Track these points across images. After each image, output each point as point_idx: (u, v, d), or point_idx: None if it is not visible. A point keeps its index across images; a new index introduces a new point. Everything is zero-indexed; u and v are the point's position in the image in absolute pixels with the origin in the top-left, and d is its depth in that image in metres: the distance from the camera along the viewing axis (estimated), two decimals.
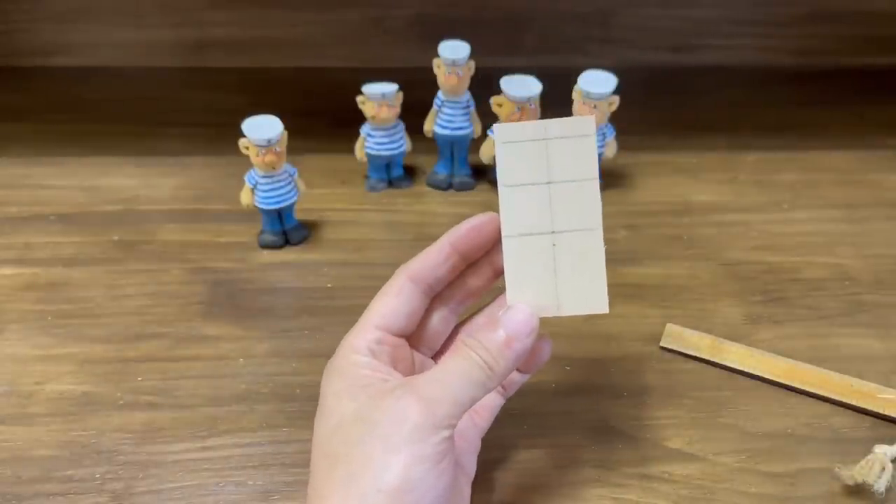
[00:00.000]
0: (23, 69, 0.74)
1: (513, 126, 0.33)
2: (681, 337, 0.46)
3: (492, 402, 0.37)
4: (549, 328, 0.48)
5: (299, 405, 0.42)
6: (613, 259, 0.53)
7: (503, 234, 0.33)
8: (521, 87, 0.54)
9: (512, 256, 0.33)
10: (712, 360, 0.45)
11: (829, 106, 0.72)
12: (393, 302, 0.34)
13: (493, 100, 0.55)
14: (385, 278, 0.51)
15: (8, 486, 0.38)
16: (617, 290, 0.50)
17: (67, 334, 0.46)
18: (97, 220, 0.55)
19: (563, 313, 0.33)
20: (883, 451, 0.38)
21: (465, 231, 0.34)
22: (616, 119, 0.56)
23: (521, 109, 0.54)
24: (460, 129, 0.57)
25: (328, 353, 0.34)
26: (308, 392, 0.43)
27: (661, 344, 0.46)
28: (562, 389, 0.43)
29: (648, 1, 0.75)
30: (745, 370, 0.44)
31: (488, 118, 0.56)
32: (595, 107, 0.54)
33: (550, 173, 0.32)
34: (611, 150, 0.58)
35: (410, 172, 0.61)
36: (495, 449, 0.40)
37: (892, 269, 0.52)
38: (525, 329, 0.32)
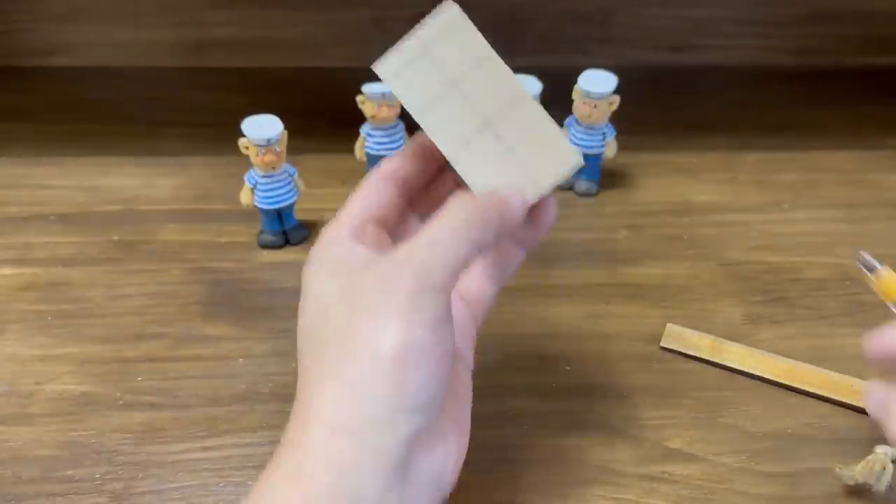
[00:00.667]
0: (23, 69, 0.74)
1: (390, 58, 0.31)
2: (681, 337, 0.46)
3: (486, 292, 0.35)
4: (550, 328, 0.48)
5: None
6: (613, 259, 0.53)
7: (447, 157, 0.31)
8: None
9: (468, 171, 0.31)
10: (712, 360, 0.45)
11: (829, 106, 0.71)
12: (369, 192, 0.33)
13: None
14: None
15: (8, 486, 0.38)
16: (617, 290, 0.50)
17: (67, 334, 0.46)
18: (97, 220, 0.55)
19: (544, 189, 0.32)
20: (883, 450, 0.37)
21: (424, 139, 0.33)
22: (616, 119, 0.56)
23: None
24: None
25: None
26: None
27: (662, 344, 0.46)
28: (562, 389, 0.43)
29: (649, 1, 0.75)
30: (746, 370, 0.44)
31: None
32: (595, 106, 0.55)
33: (449, 74, 0.31)
34: (611, 150, 0.58)
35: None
36: (495, 449, 0.40)
37: (893, 268, 0.52)
38: (515, 197, 0.31)
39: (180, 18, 0.73)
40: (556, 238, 0.55)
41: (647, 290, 0.50)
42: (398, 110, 0.56)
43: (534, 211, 0.33)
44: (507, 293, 0.50)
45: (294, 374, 0.44)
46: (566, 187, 0.59)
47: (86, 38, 0.74)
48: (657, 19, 0.76)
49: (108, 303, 0.48)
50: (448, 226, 0.29)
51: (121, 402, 0.42)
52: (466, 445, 0.32)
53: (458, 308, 0.34)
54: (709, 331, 0.47)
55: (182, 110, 0.69)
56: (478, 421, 0.42)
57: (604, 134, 0.57)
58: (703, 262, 0.53)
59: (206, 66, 0.75)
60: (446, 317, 0.28)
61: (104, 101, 0.70)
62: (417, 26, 0.31)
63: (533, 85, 0.55)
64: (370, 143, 0.57)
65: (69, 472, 0.38)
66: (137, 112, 0.68)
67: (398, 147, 0.57)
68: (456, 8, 0.31)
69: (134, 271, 0.51)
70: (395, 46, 0.31)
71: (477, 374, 0.44)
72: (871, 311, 0.49)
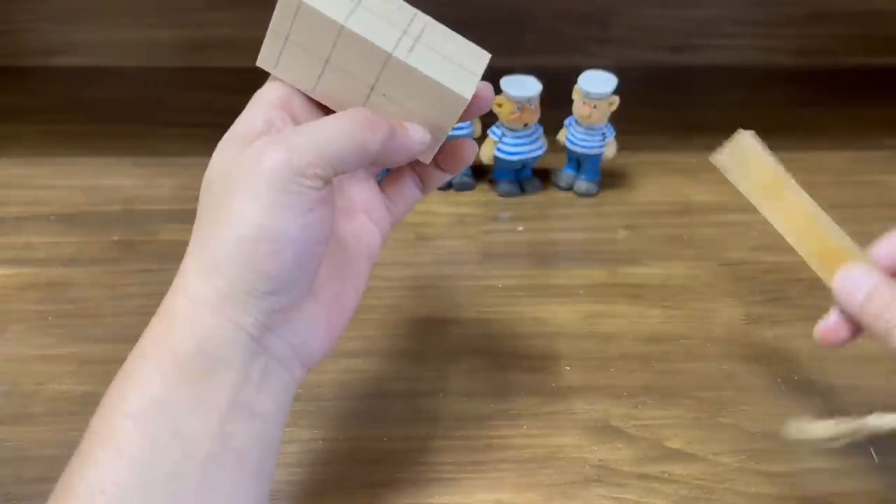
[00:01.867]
0: (23, 69, 0.74)
1: (263, 52, 0.32)
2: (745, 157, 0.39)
3: (409, 192, 0.36)
4: (549, 328, 0.48)
5: (300, 405, 0.42)
6: (613, 259, 0.53)
7: (400, 57, 0.31)
8: (521, 87, 0.55)
9: (422, 65, 0.31)
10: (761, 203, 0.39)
11: (829, 106, 0.71)
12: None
13: (493, 99, 0.55)
14: (385, 278, 0.51)
15: (8, 486, 0.38)
16: (617, 290, 0.50)
17: (67, 334, 0.46)
18: (97, 221, 0.55)
19: (442, 134, 0.33)
20: (878, 422, 0.33)
21: None
22: (616, 119, 0.56)
23: (521, 109, 0.54)
24: (460, 129, 0.57)
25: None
26: (308, 392, 0.43)
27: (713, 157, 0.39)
28: (562, 389, 0.43)
29: (648, 1, 0.75)
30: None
31: (488, 118, 0.56)
32: (595, 107, 0.55)
33: (319, 53, 0.31)
34: (611, 150, 0.58)
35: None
36: (495, 449, 0.40)
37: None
38: (418, 135, 0.32)
39: (180, 18, 0.73)
40: (556, 238, 0.55)
41: (647, 290, 0.50)
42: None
43: (443, 154, 0.34)
44: (508, 293, 0.50)
45: None
46: (566, 187, 0.59)
47: (86, 38, 0.74)
48: (657, 19, 0.76)
49: (108, 303, 0.48)
50: (334, 120, 0.30)
51: None
52: (341, 327, 0.33)
53: (377, 202, 0.35)
54: (709, 330, 0.47)
55: (182, 110, 0.69)
56: (478, 421, 0.42)
57: (604, 134, 0.57)
58: (703, 262, 0.53)
59: (206, 66, 0.75)
60: (315, 206, 0.28)
61: (104, 101, 0.70)
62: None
63: (533, 85, 0.55)
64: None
65: None
66: (137, 112, 0.68)
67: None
68: None
69: (134, 271, 0.51)
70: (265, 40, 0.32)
71: (477, 374, 0.45)
72: None
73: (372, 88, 0.32)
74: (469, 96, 0.32)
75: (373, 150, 0.30)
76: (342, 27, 0.30)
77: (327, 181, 0.29)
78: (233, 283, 0.28)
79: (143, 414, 0.27)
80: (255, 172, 0.28)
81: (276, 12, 0.31)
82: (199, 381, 0.27)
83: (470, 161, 0.36)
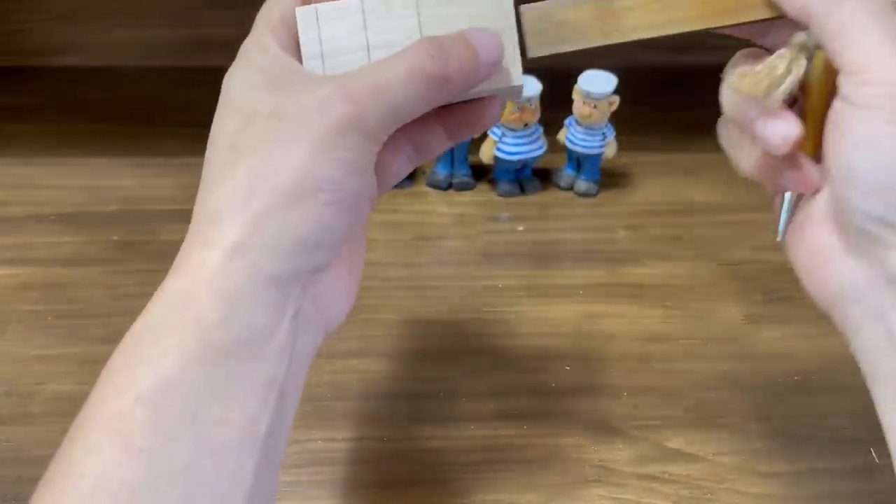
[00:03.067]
0: (23, 69, 0.74)
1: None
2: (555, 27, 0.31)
3: (396, 168, 0.33)
4: (549, 328, 0.48)
5: (300, 405, 0.42)
6: (613, 259, 0.53)
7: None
8: None
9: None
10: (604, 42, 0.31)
11: None
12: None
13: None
14: (385, 278, 0.51)
15: (8, 486, 0.38)
16: (617, 290, 0.50)
17: (67, 334, 0.46)
18: (97, 220, 0.55)
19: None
20: (800, 41, 0.28)
21: None
22: (616, 119, 0.56)
23: (521, 109, 0.54)
24: None
25: (327, 354, 0.34)
26: (308, 392, 0.42)
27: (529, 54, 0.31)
28: (562, 389, 0.43)
29: None
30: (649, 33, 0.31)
31: None
32: (595, 107, 0.54)
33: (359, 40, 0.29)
34: (611, 149, 0.58)
35: (410, 172, 0.60)
36: (495, 449, 0.40)
37: None
38: (493, 44, 0.28)
39: (180, 18, 0.73)
40: (556, 238, 0.55)
41: (648, 290, 0.50)
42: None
43: (474, 106, 0.31)
44: (508, 293, 0.50)
45: None
46: (566, 187, 0.59)
47: (86, 38, 0.74)
48: None
49: (108, 303, 0.48)
50: (398, 69, 0.26)
51: None
52: (357, 286, 0.31)
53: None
54: (709, 331, 0.47)
55: (182, 110, 0.69)
56: (478, 421, 0.42)
57: (604, 134, 0.57)
58: (703, 262, 0.53)
59: (206, 65, 0.75)
60: (368, 166, 0.27)
61: (104, 101, 0.70)
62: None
63: (533, 85, 0.55)
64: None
65: None
66: (137, 112, 0.68)
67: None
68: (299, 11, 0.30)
69: (133, 271, 0.51)
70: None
71: (477, 374, 0.44)
72: None
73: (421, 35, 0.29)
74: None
75: (444, 98, 0.28)
76: (363, 3, 0.29)
77: (385, 139, 0.27)
78: (283, 234, 0.25)
79: (155, 398, 0.23)
80: (315, 125, 0.25)
81: (301, 37, 0.29)
82: (224, 356, 0.24)
83: (493, 119, 0.32)
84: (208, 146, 0.28)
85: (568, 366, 0.45)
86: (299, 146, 0.25)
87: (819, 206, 0.29)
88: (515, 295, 0.50)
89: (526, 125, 0.56)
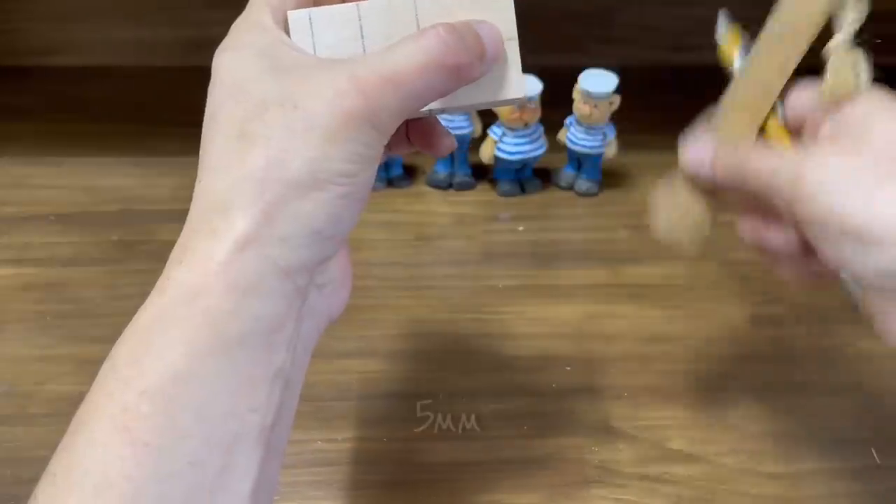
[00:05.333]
0: (23, 69, 0.74)
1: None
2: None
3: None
4: (550, 328, 0.48)
5: (300, 406, 0.42)
6: (614, 259, 0.53)
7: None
8: None
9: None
10: None
11: None
12: None
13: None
14: (385, 278, 0.51)
15: (8, 486, 0.38)
16: (617, 290, 0.50)
17: (67, 334, 0.46)
18: (96, 220, 0.55)
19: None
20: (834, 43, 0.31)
21: None
22: (616, 119, 0.56)
23: (521, 108, 0.54)
24: (460, 128, 0.57)
25: (327, 354, 0.34)
26: (308, 392, 0.42)
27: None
28: (562, 389, 0.43)
29: (649, 0, 0.75)
30: None
31: (488, 118, 0.56)
32: (595, 106, 0.54)
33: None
34: (611, 149, 0.57)
35: (410, 172, 0.61)
36: (495, 449, 0.40)
37: None
38: (497, 39, 0.28)
39: (180, 18, 0.73)
40: (557, 238, 0.55)
41: (648, 290, 0.50)
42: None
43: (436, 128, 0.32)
44: (508, 293, 0.50)
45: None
46: (567, 187, 0.59)
47: (86, 38, 0.74)
48: (658, 18, 0.76)
49: (107, 303, 0.48)
50: (413, 56, 0.26)
51: None
52: (351, 271, 0.31)
53: None
54: (710, 331, 0.47)
55: (182, 110, 0.68)
56: (478, 421, 0.42)
57: (604, 134, 0.57)
58: (704, 261, 0.53)
59: (206, 65, 0.75)
60: (378, 157, 0.27)
61: (104, 100, 0.70)
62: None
63: (533, 85, 0.55)
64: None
65: None
66: (137, 112, 0.68)
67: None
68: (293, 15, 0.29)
69: (134, 271, 0.51)
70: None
71: (477, 374, 0.44)
72: None
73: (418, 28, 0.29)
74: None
75: (455, 84, 0.27)
76: (358, 5, 0.28)
77: (395, 128, 0.27)
78: (296, 224, 0.25)
79: (162, 391, 0.23)
80: (330, 115, 0.25)
81: (293, 39, 0.29)
82: (235, 348, 0.24)
83: (448, 148, 0.33)
84: (205, 128, 0.28)
85: (568, 366, 0.45)
86: (313, 137, 0.25)
87: None
88: (516, 295, 0.49)
89: (526, 125, 0.56)
